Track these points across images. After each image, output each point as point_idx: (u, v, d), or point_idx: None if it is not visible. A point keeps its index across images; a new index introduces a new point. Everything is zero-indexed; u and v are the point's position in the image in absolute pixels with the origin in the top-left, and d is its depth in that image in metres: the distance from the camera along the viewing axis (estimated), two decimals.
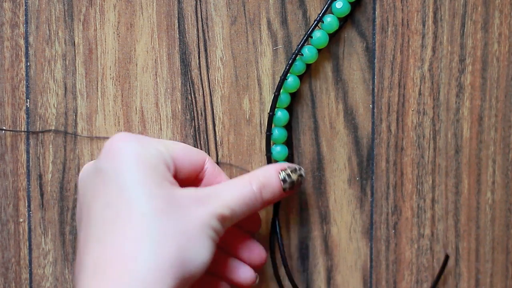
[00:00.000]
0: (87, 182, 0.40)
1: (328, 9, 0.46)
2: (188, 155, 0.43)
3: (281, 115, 0.46)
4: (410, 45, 0.47)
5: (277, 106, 0.46)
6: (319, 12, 0.47)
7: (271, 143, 0.47)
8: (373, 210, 0.48)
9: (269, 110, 0.47)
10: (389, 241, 0.49)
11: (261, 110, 0.47)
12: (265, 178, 0.42)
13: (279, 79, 0.47)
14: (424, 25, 0.47)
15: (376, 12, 0.47)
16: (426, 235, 0.49)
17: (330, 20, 0.46)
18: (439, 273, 0.48)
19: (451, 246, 0.49)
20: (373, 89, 0.48)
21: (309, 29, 0.46)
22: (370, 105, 0.48)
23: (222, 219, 0.39)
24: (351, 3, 0.46)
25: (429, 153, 0.48)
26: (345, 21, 0.47)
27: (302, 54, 0.46)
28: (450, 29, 0.47)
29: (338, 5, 0.46)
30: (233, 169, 0.48)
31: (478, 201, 0.48)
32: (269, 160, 0.47)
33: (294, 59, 0.46)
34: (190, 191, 0.40)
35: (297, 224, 0.48)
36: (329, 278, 0.49)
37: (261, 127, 0.48)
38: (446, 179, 0.48)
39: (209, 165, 0.44)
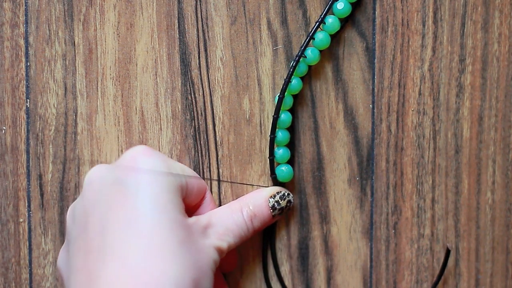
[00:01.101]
0: (102, 189, 0.39)
1: (329, 10, 0.46)
2: (197, 182, 0.43)
3: (285, 117, 0.46)
4: (410, 45, 0.47)
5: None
6: (319, 12, 0.47)
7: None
8: (373, 210, 0.48)
9: (273, 113, 0.47)
10: (389, 241, 0.49)
11: (261, 110, 0.47)
12: (255, 207, 0.43)
13: (279, 79, 0.47)
14: (424, 25, 0.47)
15: (376, 12, 0.47)
16: (426, 235, 0.49)
17: (332, 21, 0.46)
18: (442, 266, 0.48)
19: (451, 246, 0.49)
20: (373, 89, 0.48)
21: (311, 30, 0.46)
22: (370, 105, 0.48)
23: (221, 252, 0.40)
24: (351, 4, 0.46)
25: (429, 153, 0.48)
26: (346, 21, 0.47)
27: (305, 56, 0.46)
28: (450, 29, 0.47)
29: (339, 6, 0.46)
30: (232, 169, 0.48)
31: (478, 201, 0.48)
32: (272, 163, 0.47)
33: (298, 61, 0.46)
34: (194, 220, 0.40)
35: (297, 224, 0.48)
36: (329, 278, 0.49)
37: (261, 127, 0.48)
38: (446, 179, 0.48)
39: (208, 195, 0.45)
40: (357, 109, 0.48)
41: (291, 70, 0.46)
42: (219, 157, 0.48)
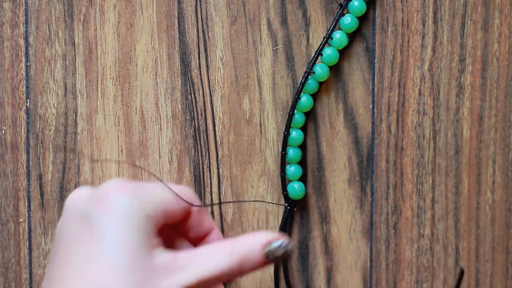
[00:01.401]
0: (74, 219, 0.39)
1: (336, 25, 0.46)
2: (179, 203, 0.42)
3: (296, 135, 0.47)
4: (410, 45, 0.47)
5: (291, 126, 0.47)
6: (319, 12, 0.47)
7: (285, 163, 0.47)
8: (373, 210, 0.48)
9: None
10: (389, 241, 0.49)
11: (261, 110, 0.47)
12: (248, 252, 0.39)
13: (279, 79, 0.47)
14: (424, 25, 0.47)
15: (376, 12, 0.47)
16: (426, 235, 0.49)
17: (339, 37, 0.46)
18: (456, 286, 0.48)
19: (451, 246, 0.49)
20: (373, 89, 0.48)
21: (319, 47, 0.46)
22: (370, 105, 0.48)
23: None
24: (358, 18, 0.46)
25: (429, 153, 0.48)
26: (353, 36, 0.47)
27: (314, 72, 0.46)
28: (450, 29, 0.47)
29: (346, 20, 0.46)
30: (232, 169, 0.48)
31: (478, 201, 0.48)
32: (283, 179, 0.47)
33: (307, 78, 0.46)
34: (168, 258, 0.39)
35: (297, 224, 0.48)
36: (329, 278, 0.49)
37: (261, 127, 0.48)
38: (446, 179, 0.48)
39: (215, 229, 0.44)
40: (357, 109, 0.48)
41: (300, 86, 0.46)
42: (219, 157, 0.48)
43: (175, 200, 0.41)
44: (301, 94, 0.46)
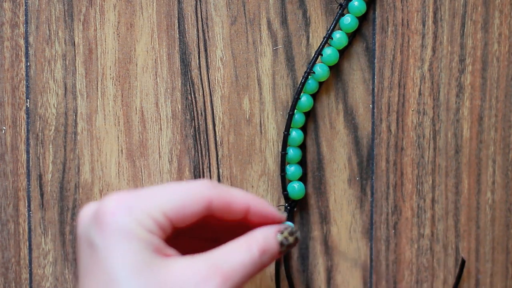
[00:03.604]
0: (82, 246, 0.38)
1: (336, 25, 0.46)
2: (187, 207, 0.39)
3: (296, 135, 0.47)
4: (410, 45, 0.47)
5: (291, 126, 0.47)
6: (319, 12, 0.47)
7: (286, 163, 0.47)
8: (373, 210, 0.48)
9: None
10: (389, 241, 0.49)
11: (261, 110, 0.47)
12: (266, 243, 0.39)
13: (279, 79, 0.47)
14: (424, 25, 0.47)
15: (376, 12, 0.47)
16: (426, 235, 0.49)
17: (339, 37, 0.46)
18: (457, 276, 0.48)
19: (451, 246, 0.49)
20: (373, 89, 0.48)
21: (319, 47, 0.46)
22: (370, 105, 0.48)
23: None
24: (358, 18, 0.46)
25: (429, 153, 0.48)
26: (353, 36, 0.47)
27: (314, 72, 0.46)
28: (450, 29, 0.47)
29: (346, 20, 0.46)
30: (232, 169, 0.48)
31: (478, 201, 0.48)
32: (283, 180, 0.47)
33: (307, 78, 0.46)
34: (186, 266, 0.37)
35: (297, 224, 0.48)
36: (329, 278, 0.49)
37: (261, 127, 0.48)
38: (446, 179, 0.48)
39: (215, 201, 0.40)
40: (357, 109, 0.48)
41: (300, 86, 0.46)
42: (219, 157, 0.48)
43: (187, 200, 0.38)
44: (301, 94, 0.46)
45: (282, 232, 0.40)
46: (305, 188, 0.47)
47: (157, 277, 0.36)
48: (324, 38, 0.46)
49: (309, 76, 0.46)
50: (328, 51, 0.46)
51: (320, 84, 0.47)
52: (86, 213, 0.39)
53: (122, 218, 0.37)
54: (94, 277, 0.37)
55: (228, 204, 0.39)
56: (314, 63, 0.46)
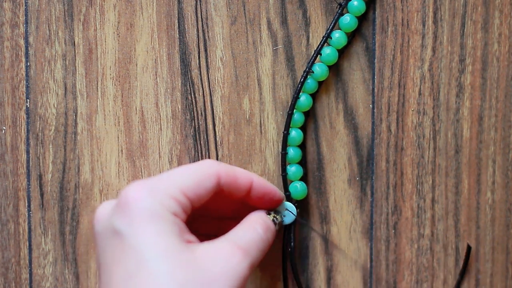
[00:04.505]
0: (104, 240, 0.38)
1: (335, 25, 0.46)
2: (202, 184, 0.40)
3: (295, 134, 0.47)
4: (410, 45, 0.47)
5: (291, 125, 0.46)
6: (319, 12, 0.47)
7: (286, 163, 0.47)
8: (373, 210, 0.48)
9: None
10: (389, 241, 0.49)
11: (261, 110, 0.47)
12: (265, 222, 0.42)
13: (279, 79, 0.47)
14: (424, 25, 0.47)
15: (376, 12, 0.47)
16: (426, 235, 0.49)
17: (339, 36, 0.46)
18: (464, 263, 0.48)
19: (451, 246, 0.49)
20: (373, 89, 0.48)
21: (318, 46, 0.46)
22: (370, 105, 0.48)
23: (247, 274, 0.38)
24: (358, 18, 0.46)
25: (429, 153, 0.48)
26: (353, 36, 0.47)
27: (313, 72, 0.46)
28: (450, 29, 0.47)
29: (345, 20, 0.46)
30: None
31: (478, 201, 0.48)
32: (285, 180, 0.47)
33: (306, 77, 0.46)
34: (209, 247, 0.38)
35: (297, 224, 0.48)
36: (329, 278, 0.49)
37: (261, 127, 0.48)
38: (446, 179, 0.48)
39: (223, 175, 0.42)
40: (357, 109, 0.48)
41: (299, 86, 0.46)
42: (219, 157, 0.48)
43: (201, 177, 0.40)
44: (300, 93, 0.46)
45: (269, 214, 0.44)
46: (307, 187, 0.47)
47: (186, 256, 0.37)
48: (323, 37, 0.46)
49: (308, 76, 0.46)
50: (327, 51, 0.46)
51: (320, 83, 0.47)
52: (104, 209, 0.40)
53: (146, 202, 0.38)
54: (123, 264, 0.37)
55: (234, 178, 0.41)
56: (313, 62, 0.46)
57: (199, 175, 0.40)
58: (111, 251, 0.38)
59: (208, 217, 0.45)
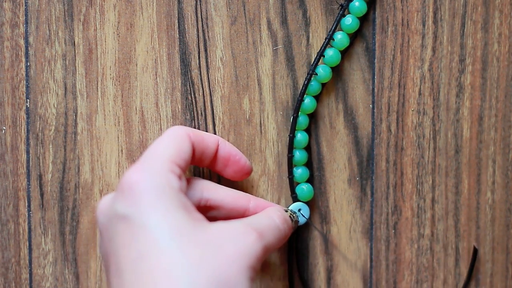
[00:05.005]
0: (110, 229, 0.37)
1: (337, 26, 0.46)
2: (182, 149, 0.41)
3: (301, 137, 0.47)
4: (410, 45, 0.47)
5: (296, 128, 0.47)
6: (319, 12, 0.47)
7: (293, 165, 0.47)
8: (373, 210, 0.48)
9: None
10: (389, 241, 0.49)
11: (261, 110, 0.47)
12: (283, 214, 0.43)
13: (279, 79, 0.47)
14: (424, 25, 0.47)
15: (376, 12, 0.47)
16: (426, 235, 0.49)
17: (341, 37, 0.46)
18: (470, 266, 0.48)
19: (451, 246, 0.49)
20: (373, 89, 0.48)
21: (321, 48, 0.46)
22: (370, 105, 0.48)
23: (261, 256, 0.37)
24: (359, 18, 0.46)
25: (429, 153, 0.48)
26: (355, 36, 0.47)
27: (316, 74, 0.46)
28: (450, 29, 0.47)
29: (347, 21, 0.46)
30: None
31: (478, 201, 0.48)
32: (291, 182, 0.47)
33: (309, 79, 0.46)
34: (221, 226, 0.37)
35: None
36: (329, 278, 0.49)
37: (261, 127, 0.48)
38: (446, 179, 0.48)
39: (192, 135, 0.42)
40: (357, 109, 0.48)
41: (303, 88, 0.46)
42: None
43: (179, 143, 0.40)
44: (305, 96, 0.46)
45: (286, 211, 0.45)
46: (313, 189, 0.48)
47: (198, 233, 0.36)
48: (325, 39, 0.46)
49: (312, 78, 0.46)
50: (330, 52, 0.46)
51: (323, 85, 0.47)
52: (105, 200, 0.39)
53: (150, 181, 0.37)
54: (134, 246, 0.36)
55: (201, 137, 0.43)
56: (316, 64, 0.46)
57: (177, 141, 0.40)
58: (119, 238, 0.36)
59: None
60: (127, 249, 0.36)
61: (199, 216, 0.38)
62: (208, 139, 0.43)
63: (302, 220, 0.47)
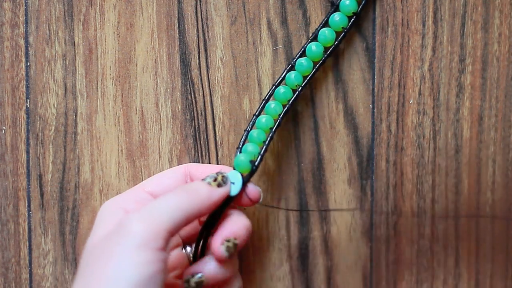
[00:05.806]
0: (101, 228, 0.41)
1: (326, 23, 0.46)
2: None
3: (266, 120, 0.45)
4: (410, 45, 0.47)
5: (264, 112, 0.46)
6: (319, 12, 0.47)
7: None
8: (373, 210, 0.48)
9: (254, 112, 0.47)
10: (389, 241, 0.49)
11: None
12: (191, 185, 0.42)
13: (277, 78, 0.47)
14: (424, 25, 0.47)
15: (376, 12, 0.47)
16: (426, 235, 0.49)
17: (327, 33, 0.45)
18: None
19: (451, 246, 0.49)
20: (373, 89, 0.48)
21: (308, 40, 0.46)
22: (370, 105, 0.48)
23: (167, 237, 0.39)
24: (349, 17, 0.46)
25: (429, 153, 0.48)
26: (344, 35, 0.46)
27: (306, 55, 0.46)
28: (450, 29, 0.47)
29: (336, 18, 0.45)
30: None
31: (478, 201, 0.48)
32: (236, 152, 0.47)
33: (289, 70, 0.46)
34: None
35: (297, 224, 0.48)
36: (329, 278, 0.49)
37: None
38: (446, 179, 0.48)
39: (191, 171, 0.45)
40: (357, 109, 0.48)
41: (281, 76, 0.46)
42: (219, 157, 0.48)
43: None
44: (282, 86, 0.45)
45: (217, 175, 0.43)
46: (251, 166, 0.44)
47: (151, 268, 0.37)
48: (312, 34, 0.46)
49: (293, 70, 0.46)
50: (313, 47, 0.45)
51: (305, 77, 0.46)
52: (113, 203, 0.43)
53: (141, 236, 0.38)
54: (101, 272, 0.37)
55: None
56: (298, 57, 0.46)
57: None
58: (93, 263, 0.38)
59: None
60: (100, 271, 0.38)
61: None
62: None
63: (235, 190, 0.43)
